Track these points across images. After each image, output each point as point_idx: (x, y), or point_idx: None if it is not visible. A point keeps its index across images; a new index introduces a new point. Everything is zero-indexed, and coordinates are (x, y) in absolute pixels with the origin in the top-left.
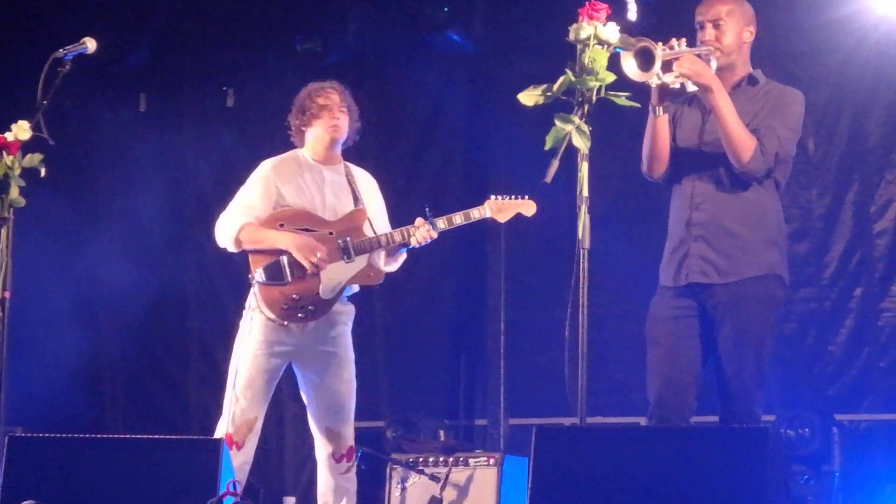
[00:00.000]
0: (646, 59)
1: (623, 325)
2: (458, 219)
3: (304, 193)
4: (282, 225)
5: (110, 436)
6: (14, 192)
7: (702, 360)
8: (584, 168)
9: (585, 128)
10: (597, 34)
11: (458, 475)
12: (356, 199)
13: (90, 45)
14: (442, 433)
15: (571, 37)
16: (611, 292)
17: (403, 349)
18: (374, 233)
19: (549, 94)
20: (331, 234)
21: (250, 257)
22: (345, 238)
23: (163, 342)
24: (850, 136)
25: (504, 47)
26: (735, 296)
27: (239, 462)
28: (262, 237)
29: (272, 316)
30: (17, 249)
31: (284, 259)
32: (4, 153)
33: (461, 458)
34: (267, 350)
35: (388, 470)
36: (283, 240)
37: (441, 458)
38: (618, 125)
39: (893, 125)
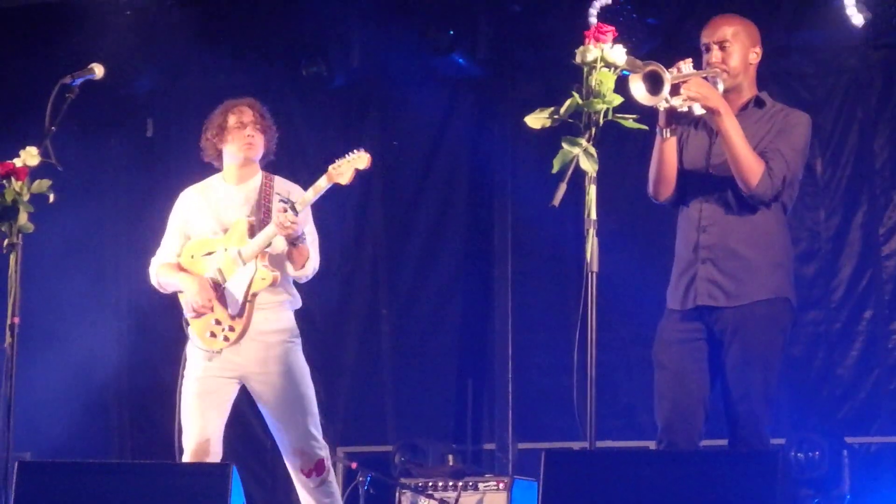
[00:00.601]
0: (654, 83)
1: (630, 349)
2: (310, 195)
3: (208, 221)
4: (192, 256)
5: (119, 461)
6: (23, 218)
7: (710, 383)
8: (591, 191)
9: (593, 150)
10: (603, 56)
11: (468, 499)
12: (256, 208)
13: (98, 70)
14: (450, 457)
15: (578, 59)
16: (618, 315)
17: (410, 373)
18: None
19: (556, 116)
20: (225, 250)
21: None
22: (236, 249)
23: (170, 368)
24: (857, 157)
25: (509, 70)
26: (743, 319)
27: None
28: (170, 280)
29: (202, 346)
30: (26, 275)
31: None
32: (13, 179)
33: (470, 483)
34: (205, 383)
35: (397, 494)
36: (180, 282)
37: (451, 483)
38: (625, 148)
39: None
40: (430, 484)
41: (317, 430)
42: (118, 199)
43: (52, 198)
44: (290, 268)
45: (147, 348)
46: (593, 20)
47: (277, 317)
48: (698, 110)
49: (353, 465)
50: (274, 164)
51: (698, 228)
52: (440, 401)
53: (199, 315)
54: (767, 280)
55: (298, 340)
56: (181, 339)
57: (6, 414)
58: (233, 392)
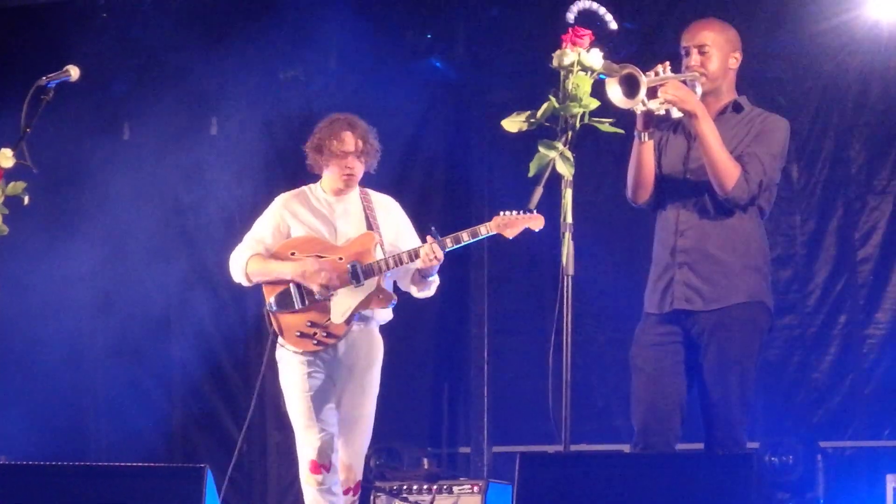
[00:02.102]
0: (631, 86)
1: (605, 352)
2: (466, 236)
3: (314, 224)
4: (293, 253)
5: (94, 464)
6: None
7: (686, 386)
8: (567, 195)
9: (569, 154)
10: (580, 60)
11: (443, 502)
12: (369, 225)
13: (73, 73)
14: (425, 461)
15: (555, 63)
16: (594, 319)
17: (385, 377)
18: (384, 255)
19: (532, 120)
20: (341, 259)
21: (263, 288)
22: (354, 262)
23: (146, 370)
24: (833, 162)
25: (486, 74)
26: (719, 323)
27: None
28: (268, 269)
29: (288, 346)
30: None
31: (293, 286)
32: None
33: (445, 486)
34: (306, 384)
35: (371, 498)
36: (289, 269)
37: (425, 486)
38: (601, 151)
39: (876, 151)
40: (405, 487)
41: (364, 455)
42: (94, 202)
43: (26, 200)
44: (413, 290)
45: (122, 349)
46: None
47: (371, 335)
48: (675, 113)
49: None
50: (253, 169)
51: (676, 232)
52: (415, 404)
53: (295, 311)
54: (744, 284)
55: (380, 363)
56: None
57: None
58: (329, 385)
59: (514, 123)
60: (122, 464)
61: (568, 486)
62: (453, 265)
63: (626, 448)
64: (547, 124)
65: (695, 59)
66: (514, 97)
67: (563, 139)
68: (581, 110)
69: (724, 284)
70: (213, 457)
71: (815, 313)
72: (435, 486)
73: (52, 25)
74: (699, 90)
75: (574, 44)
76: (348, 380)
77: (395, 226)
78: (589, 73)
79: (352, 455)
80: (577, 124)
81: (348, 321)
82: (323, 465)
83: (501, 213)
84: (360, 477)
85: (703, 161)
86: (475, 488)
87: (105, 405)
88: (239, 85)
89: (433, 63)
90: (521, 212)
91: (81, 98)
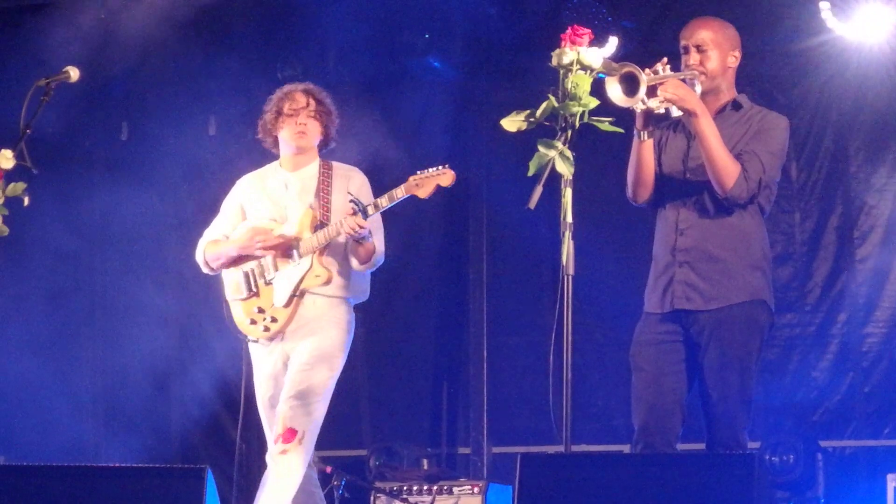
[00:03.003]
0: (630, 85)
1: (605, 352)
2: (384, 202)
3: (267, 205)
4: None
5: (94, 464)
6: None
7: (687, 386)
8: (567, 194)
9: (569, 153)
10: (580, 59)
11: (443, 503)
12: (315, 200)
13: (73, 73)
14: (425, 461)
15: (554, 62)
16: (593, 318)
17: (385, 376)
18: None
19: (531, 119)
20: (282, 238)
21: (223, 277)
22: (294, 240)
23: (145, 370)
24: (833, 160)
25: (485, 73)
26: (720, 322)
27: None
28: (217, 251)
29: (242, 334)
30: (1, 278)
31: (240, 273)
32: None
33: (445, 487)
34: (259, 373)
35: (371, 498)
36: (231, 245)
37: (425, 487)
38: (601, 150)
39: (875, 150)
40: (405, 488)
41: (305, 410)
42: (93, 202)
43: (26, 201)
44: (354, 262)
45: (123, 350)
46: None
47: (330, 312)
48: (675, 112)
49: (328, 469)
50: (253, 168)
51: (676, 231)
52: (415, 404)
53: (246, 298)
54: (744, 283)
55: (342, 331)
56: (152, 338)
57: None
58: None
59: (513, 122)
60: (123, 464)
61: (569, 486)
62: (451, 264)
63: (625, 449)
64: (546, 123)
65: (694, 57)
66: (513, 96)
67: (563, 138)
68: (580, 109)
69: (725, 283)
70: (212, 457)
71: (815, 312)
72: (435, 487)
73: (50, 26)
74: (698, 89)
75: (574, 42)
76: (293, 354)
77: (363, 192)
78: (588, 71)
79: (283, 401)
80: (577, 123)
81: (288, 303)
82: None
83: (417, 172)
84: (292, 425)
85: (703, 160)
86: (475, 489)
87: (103, 405)
88: (237, 85)
89: (431, 62)
90: (434, 169)
91: (80, 98)
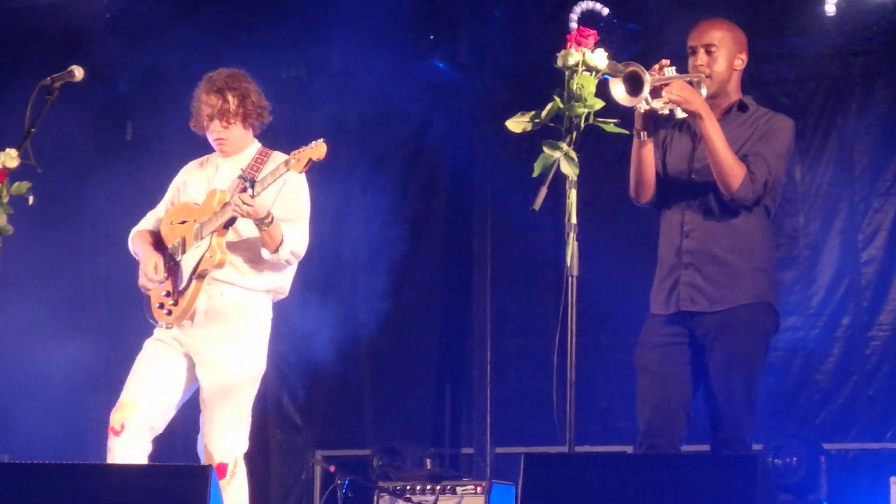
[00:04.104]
0: (634, 85)
1: (608, 353)
2: (269, 179)
3: (196, 190)
4: (171, 223)
5: (97, 463)
6: (2, 220)
7: (692, 388)
8: (572, 195)
9: (574, 154)
10: (585, 60)
11: (446, 503)
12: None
13: (77, 73)
14: (428, 461)
15: (559, 63)
16: (597, 320)
17: (389, 376)
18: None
19: (536, 120)
20: (194, 221)
21: None
22: (200, 223)
23: None
24: (837, 163)
25: (489, 75)
26: (725, 324)
27: (120, 452)
28: (135, 248)
29: (153, 320)
30: (3, 277)
31: (156, 257)
32: None
33: (448, 486)
34: (156, 346)
35: (375, 498)
36: (140, 252)
37: (429, 486)
38: (607, 152)
39: (880, 153)
40: (409, 487)
41: (231, 437)
42: (97, 202)
43: (31, 200)
44: (264, 252)
45: (124, 349)
46: (574, 25)
47: (238, 305)
48: (679, 114)
49: (332, 469)
50: None
51: (681, 233)
52: (419, 404)
53: (147, 290)
54: (750, 285)
55: (257, 341)
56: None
57: None
58: (182, 367)
59: (518, 124)
60: (124, 463)
61: (573, 486)
62: (455, 265)
63: (628, 450)
64: (551, 125)
65: (701, 58)
66: (518, 98)
67: (568, 139)
68: (586, 110)
69: (730, 285)
70: None
71: (818, 315)
72: (438, 487)
73: (56, 25)
74: (704, 91)
75: (579, 44)
76: (208, 360)
77: (279, 183)
78: (593, 73)
79: (207, 436)
80: (582, 125)
81: (187, 285)
82: (111, 427)
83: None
84: (221, 460)
85: (708, 161)
86: (478, 489)
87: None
88: None
89: (436, 64)
90: (310, 144)
91: (85, 98)
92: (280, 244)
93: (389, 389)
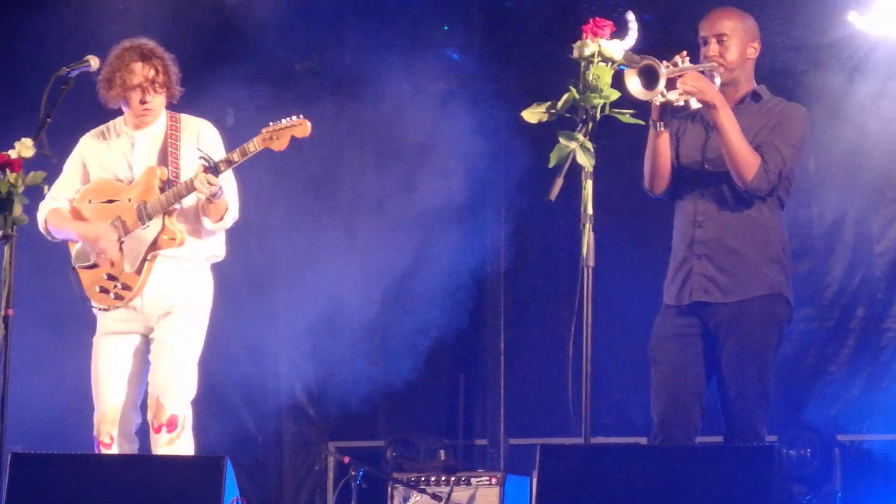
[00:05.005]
0: (650, 77)
1: (622, 345)
2: (237, 156)
3: (111, 166)
4: (90, 201)
5: (112, 453)
6: (17, 210)
7: (706, 379)
8: (588, 186)
9: (589, 145)
10: (601, 51)
11: (461, 494)
12: (163, 156)
13: (93, 63)
14: (442, 453)
15: (575, 54)
16: (611, 310)
17: (403, 368)
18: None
19: (552, 111)
20: (129, 200)
21: (68, 242)
22: (139, 203)
23: None
24: (851, 154)
25: (504, 65)
26: (738, 314)
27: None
28: (62, 227)
29: (93, 303)
30: (19, 267)
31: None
32: (8, 171)
33: (463, 478)
34: (109, 341)
35: (389, 489)
36: (78, 231)
37: (443, 478)
38: (622, 142)
39: (894, 144)
40: (423, 479)
41: (181, 388)
42: None
43: (46, 189)
44: (206, 222)
45: None
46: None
47: (184, 276)
48: (694, 104)
49: (346, 460)
50: (271, 160)
51: (694, 224)
52: (433, 396)
53: (92, 266)
54: (763, 276)
55: (203, 299)
56: None
57: (0, 407)
58: (140, 349)
59: (533, 114)
60: (141, 454)
61: (588, 477)
62: (469, 256)
63: (642, 441)
64: (567, 115)
65: (713, 48)
66: (532, 88)
67: (584, 130)
68: (601, 101)
69: (743, 276)
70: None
71: (833, 306)
72: (453, 478)
73: (71, 15)
74: (718, 80)
75: (595, 34)
76: (158, 322)
77: (209, 147)
78: (609, 63)
79: (157, 388)
80: (598, 115)
81: (139, 269)
82: (102, 441)
83: (270, 124)
84: (173, 412)
85: (722, 151)
86: (493, 480)
87: None
88: (255, 76)
89: (450, 55)
90: (288, 119)
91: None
92: (224, 213)
93: (403, 380)
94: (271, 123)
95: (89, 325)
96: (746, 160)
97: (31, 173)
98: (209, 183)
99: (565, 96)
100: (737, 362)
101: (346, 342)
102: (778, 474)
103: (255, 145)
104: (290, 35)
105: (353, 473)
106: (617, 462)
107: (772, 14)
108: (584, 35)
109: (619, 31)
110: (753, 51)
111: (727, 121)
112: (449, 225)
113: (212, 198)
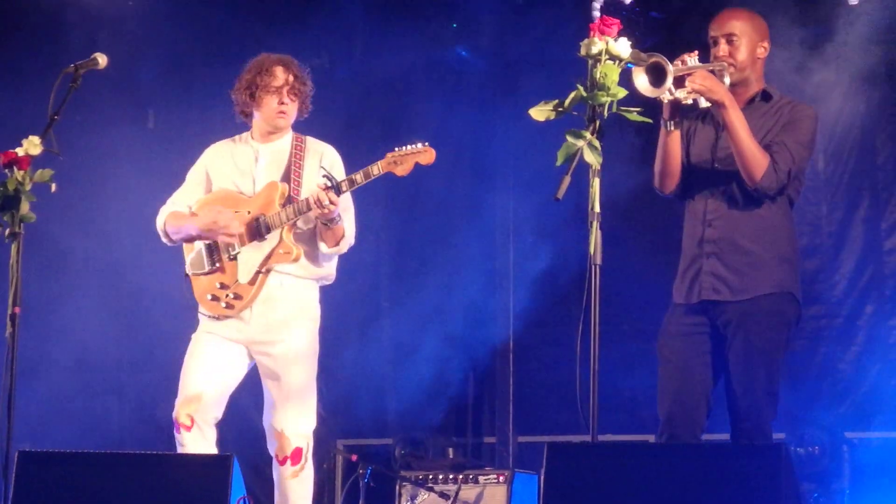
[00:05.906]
0: (658, 75)
1: (630, 342)
2: (360, 178)
3: (233, 177)
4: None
5: (119, 451)
6: (25, 208)
7: (713, 377)
8: (595, 184)
9: (597, 143)
10: (608, 49)
11: (468, 492)
12: (287, 173)
13: (101, 60)
14: (450, 450)
15: (583, 52)
16: (619, 308)
17: (411, 366)
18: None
19: (560, 109)
20: (249, 213)
21: (183, 249)
22: (258, 216)
23: (171, 359)
24: (860, 152)
25: (512, 63)
26: (747, 313)
27: (192, 444)
28: (180, 226)
29: (202, 309)
30: (27, 265)
31: (202, 246)
32: (15, 168)
33: (471, 476)
34: (209, 338)
35: (397, 487)
36: (194, 224)
37: (451, 476)
38: (629, 140)
39: None
40: (431, 477)
41: (303, 419)
42: (119, 190)
43: (53, 187)
44: (322, 246)
45: (148, 339)
46: (597, 14)
47: (295, 293)
48: (703, 103)
49: (354, 458)
50: None
51: (703, 222)
52: (441, 394)
53: (207, 273)
54: (772, 274)
55: (312, 323)
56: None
57: (7, 404)
58: (238, 355)
59: (541, 112)
60: (148, 452)
61: (596, 475)
62: (477, 254)
63: (650, 439)
64: (574, 113)
65: (723, 48)
66: (540, 86)
67: (591, 128)
68: (609, 99)
69: (753, 275)
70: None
71: (841, 304)
72: (461, 476)
73: (78, 13)
74: (727, 80)
75: (602, 32)
76: (265, 341)
77: (327, 170)
78: (617, 62)
79: (281, 420)
80: (605, 113)
81: (253, 280)
82: (181, 423)
83: (394, 149)
84: (297, 444)
85: (732, 150)
86: (501, 478)
87: (130, 395)
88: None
89: (459, 52)
90: (413, 146)
91: (107, 85)
92: (341, 238)
93: (411, 379)
94: (396, 148)
95: (97, 326)
96: (755, 159)
97: (39, 171)
98: (330, 202)
99: (573, 94)
100: (745, 361)
101: (354, 340)
102: (787, 472)
103: (378, 168)
104: (299, 32)
105: (362, 472)
106: (624, 460)
107: (781, 12)
108: (592, 33)
109: (626, 30)
110: (763, 50)
111: (736, 120)
112: (456, 223)
113: (329, 223)
